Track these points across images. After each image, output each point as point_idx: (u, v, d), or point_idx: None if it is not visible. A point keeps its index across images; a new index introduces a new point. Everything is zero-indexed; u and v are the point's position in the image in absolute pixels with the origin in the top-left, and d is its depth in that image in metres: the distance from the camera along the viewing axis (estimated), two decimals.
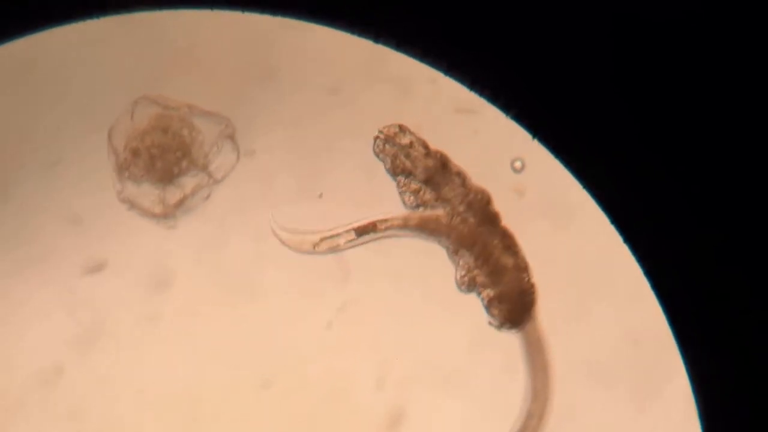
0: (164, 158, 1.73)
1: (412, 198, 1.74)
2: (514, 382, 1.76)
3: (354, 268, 1.79)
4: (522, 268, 1.73)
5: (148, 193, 1.74)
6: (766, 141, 1.65)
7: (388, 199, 1.77)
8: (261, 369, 1.78)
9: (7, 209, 1.77)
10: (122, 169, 1.72)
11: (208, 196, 1.75)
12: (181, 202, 1.75)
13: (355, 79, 1.77)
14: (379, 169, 1.77)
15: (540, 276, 1.76)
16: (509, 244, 1.73)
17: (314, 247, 1.73)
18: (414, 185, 1.74)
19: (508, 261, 1.73)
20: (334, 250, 1.74)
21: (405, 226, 1.74)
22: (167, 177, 1.73)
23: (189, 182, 1.75)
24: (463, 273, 1.73)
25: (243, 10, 1.69)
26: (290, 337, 1.78)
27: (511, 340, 1.76)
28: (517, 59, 1.68)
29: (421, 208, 1.74)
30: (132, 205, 1.73)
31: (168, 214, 1.74)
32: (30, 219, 1.77)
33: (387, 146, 1.74)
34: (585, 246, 1.76)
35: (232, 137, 1.74)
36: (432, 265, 1.77)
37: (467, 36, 1.69)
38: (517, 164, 1.76)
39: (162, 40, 1.75)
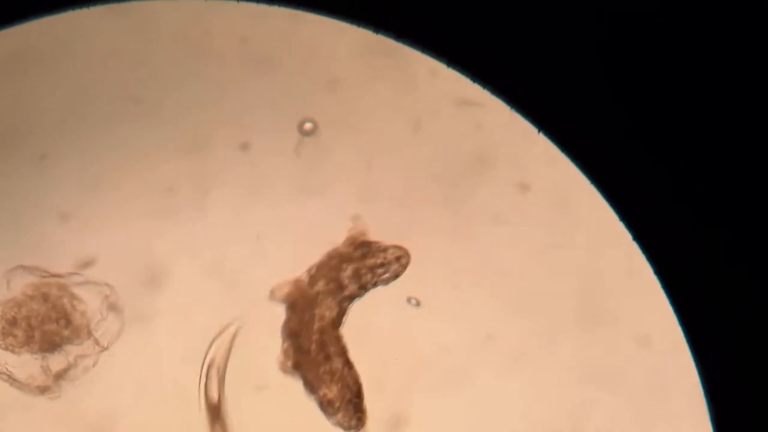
0: (44, 328, 1.72)
1: None
2: (515, 383, 1.75)
3: None
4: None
5: (28, 364, 1.73)
6: None
7: (388, 192, 1.76)
8: (257, 370, 1.76)
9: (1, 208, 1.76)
10: None
11: (94, 364, 1.73)
12: (64, 372, 1.73)
13: (353, 71, 1.75)
14: (380, 162, 1.76)
15: (546, 274, 1.75)
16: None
17: None
18: None
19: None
20: None
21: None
22: (48, 346, 1.72)
23: (73, 350, 1.73)
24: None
25: (239, 0, 1.68)
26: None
27: (510, 340, 1.75)
28: (522, 50, 1.67)
29: None
30: (10, 377, 1.72)
31: (50, 386, 1.72)
32: (17, 215, 1.75)
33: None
34: (592, 243, 1.75)
35: (115, 305, 1.73)
36: (431, 265, 1.77)
37: (470, 27, 1.67)
38: (307, 126, 1.75)
39: (157, 30, 1.74)
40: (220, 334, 1.73)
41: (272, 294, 1.73)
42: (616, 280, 1.74)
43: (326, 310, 1.73)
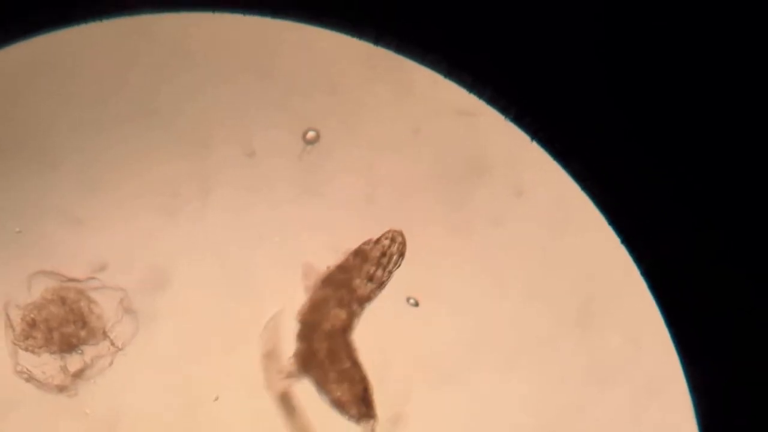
0: (62, 330, 1.76)
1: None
2: (513, 382, 1.77)
3: None
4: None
5: (47, 364, 1.76)
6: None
7: (388, 193, 1.78)
8: (259, 371, 1.77)
9: (4, 209, 1.77)
10: (19, 342, 1.75)
11: (110, 364, 1.77)
12: (81, 372, 1.76)
13: (354, 81, 1.77)
14: (378, 168, 1.78)
15: (544, 275, 1.76)
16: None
17: None
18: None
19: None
20: None
21: None
22: (66, 347, 1.76)
23: (90, 351, 1.77)
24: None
25: (244, 13, 1.69)
26: (289, 339, 1.78)
27: (509, 340, 1.77)
28: (517, 61, 1.68)
29: None
30: (30, 377, 1.75)
31: (68, 385, 1.76)
32: (28, 220, 1.77)
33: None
34: (583, 247, 1.77)
35: (130, 308, 1.76)
36: (430, 266, 1.78)
37: (467, 38, 1.69)
38: (310, 134, 1.77)
39: (162, 43, 1.75)
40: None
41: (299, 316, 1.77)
42: (605, 283, 1.76)
43: (336, 317, 1.76)
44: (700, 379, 1.66)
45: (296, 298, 1.78)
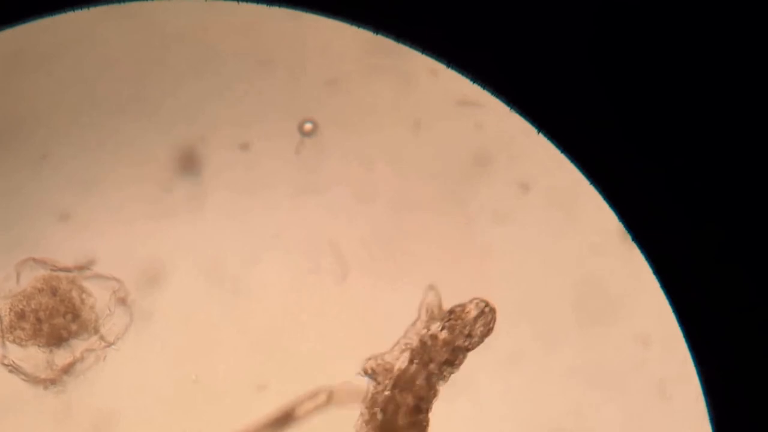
0: (52, 321, 1.71)
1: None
2: (515, 383, 1.75)
3: (353, 267, 1.77)
4: None
5: (34, 357, 1.72)
6: None
7: (388, 192, 1.77)
8: (257, 370, 1.76)
9: None
10: (6, 333, 1.71)
11: (104, 359, 1.73)
12: (70, 366, 1.72)
13: (353, 71, 1.75)
14: (379, 162, 1.76)
15: (546, 274, 1.75)
16: None
17: None
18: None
19: None
20: None
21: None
22: (55, 340, 1.72)
23: (79, 345, 1.73)
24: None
25: (239, 0, 1.68)
26: (287, 338, 1.76)
27: (516, 339, 1.75)
28: (522, 50, 1.67)
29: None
30: (16, 369, 1.71)
31: (55, 380, 1.72)
32: (15, 214, 1.75)
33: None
34: (591, 243, 1.75)
35: (124, 300, 1.72)
36: (430, 265, 1.76)
37: (470, 26, 1.67)
38: (307, 126, 1.75)
39: (157, 30, 1.74)
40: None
41: (365, 371, 1.73)
42: (615, 280, 1.74)
43: (420, 389, 1.71)
44: (712, 378, 1.64)
45: (296, 297, 1.76)
